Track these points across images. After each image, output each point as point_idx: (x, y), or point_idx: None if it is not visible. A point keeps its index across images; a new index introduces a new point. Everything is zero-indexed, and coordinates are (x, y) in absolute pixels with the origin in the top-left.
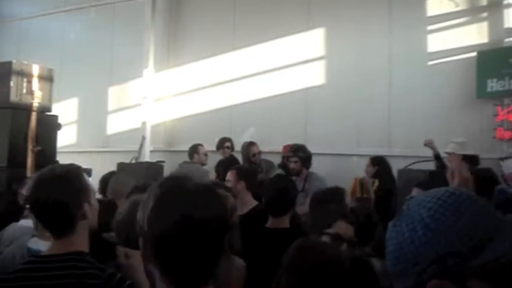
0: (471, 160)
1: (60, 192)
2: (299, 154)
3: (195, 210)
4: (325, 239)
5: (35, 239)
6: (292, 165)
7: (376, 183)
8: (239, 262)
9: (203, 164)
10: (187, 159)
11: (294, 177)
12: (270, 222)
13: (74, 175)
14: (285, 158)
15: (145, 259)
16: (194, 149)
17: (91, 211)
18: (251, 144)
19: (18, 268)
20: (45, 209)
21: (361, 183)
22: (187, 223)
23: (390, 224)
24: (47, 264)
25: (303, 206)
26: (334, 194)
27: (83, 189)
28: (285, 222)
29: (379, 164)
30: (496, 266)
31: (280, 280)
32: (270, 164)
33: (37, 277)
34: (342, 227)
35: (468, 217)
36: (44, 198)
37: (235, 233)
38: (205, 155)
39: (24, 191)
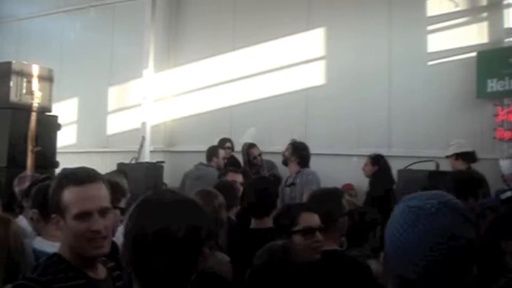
0: (467, 158)
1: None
2: (294, 143)
3: (170, 222)
4: (298, 237)
5: (40, 238)
6: (284, 152)
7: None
8: (224, 258)
9: (220, 169)
10: (187, 159)
11: (288, 177)
12: (253, 224)
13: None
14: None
15: (125, 261)
16: (214, 152)
17: None
18: (251, 146)
19: None
20: None
21: None
22: (162, 233)
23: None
24: None
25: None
26: (332, 193)
27: None
28: (267, 222)
29: (378, 163)
30: None
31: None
32: (271, 164)
33: None
34: (308, 218)
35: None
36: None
37: (222, 231)
38: (224, 158)
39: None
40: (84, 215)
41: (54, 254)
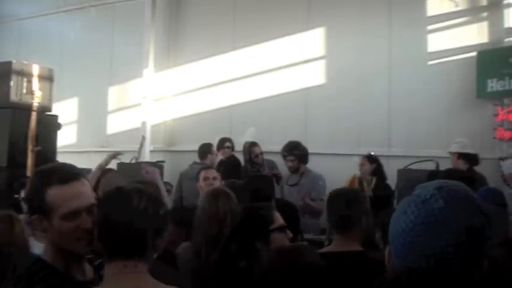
0: (469, 159)
1: None
2: (295, 152)
3: (131, 211)
4: (277, 235)
5: (32, 239)
6: (289, 164)
7: (374, 181)
8: None
9: (214, 165)
10: (187, 158)
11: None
12: None
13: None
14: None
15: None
16: (208, 149)
17: None
18: (253, 145)
19: None
20: None
21: (360, 181)
22: (125, 222)
23: None
24: None
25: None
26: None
27: None
28: None
29: (375, 161)
30: None
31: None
32: (271, 164)
33: None
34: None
35: None
36: None
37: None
38: (217, 155)
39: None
40: (72, 214)
41: (36, 261)
